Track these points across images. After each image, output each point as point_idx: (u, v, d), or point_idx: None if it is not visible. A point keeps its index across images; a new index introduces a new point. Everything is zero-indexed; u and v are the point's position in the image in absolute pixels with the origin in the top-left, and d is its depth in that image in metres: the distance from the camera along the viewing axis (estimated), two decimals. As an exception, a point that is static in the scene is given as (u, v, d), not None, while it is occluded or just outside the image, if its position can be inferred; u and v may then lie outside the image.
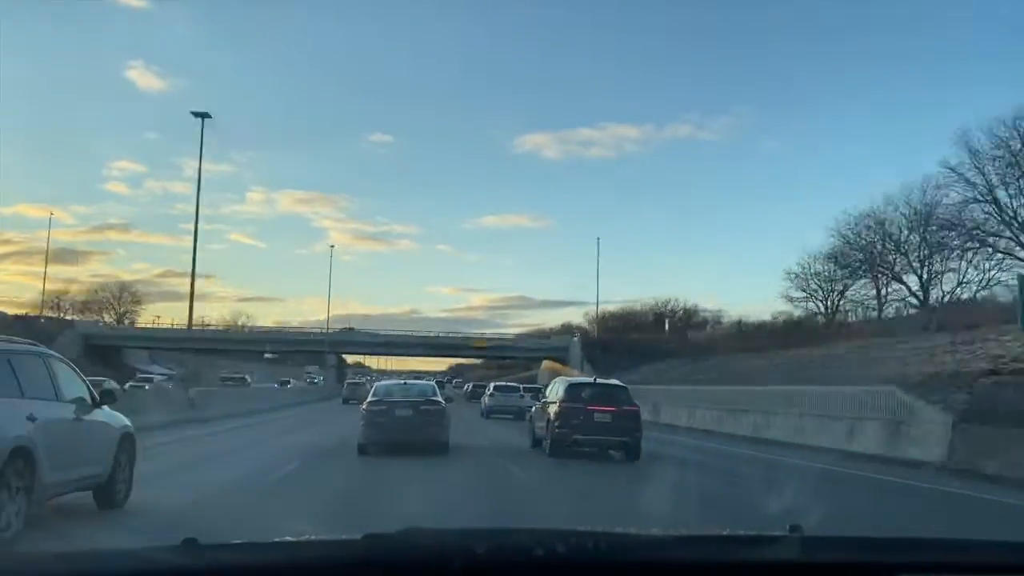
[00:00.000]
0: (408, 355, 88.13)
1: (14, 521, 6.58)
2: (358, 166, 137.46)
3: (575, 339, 72.76)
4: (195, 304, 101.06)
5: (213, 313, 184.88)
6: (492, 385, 39.85)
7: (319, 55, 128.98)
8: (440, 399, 17.13)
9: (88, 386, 8.73)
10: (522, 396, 35.89)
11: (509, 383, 42.89)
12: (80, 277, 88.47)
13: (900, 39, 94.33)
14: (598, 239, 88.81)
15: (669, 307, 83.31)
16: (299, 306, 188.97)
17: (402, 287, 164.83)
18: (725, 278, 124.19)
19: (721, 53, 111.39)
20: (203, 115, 37.18)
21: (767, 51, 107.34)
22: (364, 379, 61.01)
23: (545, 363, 75.52)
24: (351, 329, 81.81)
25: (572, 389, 16.99)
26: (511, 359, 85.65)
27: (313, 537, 1.81)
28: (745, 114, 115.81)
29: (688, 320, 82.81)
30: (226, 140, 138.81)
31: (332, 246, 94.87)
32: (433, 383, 20.12)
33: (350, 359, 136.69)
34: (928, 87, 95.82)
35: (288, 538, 1.79)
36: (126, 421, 9.31)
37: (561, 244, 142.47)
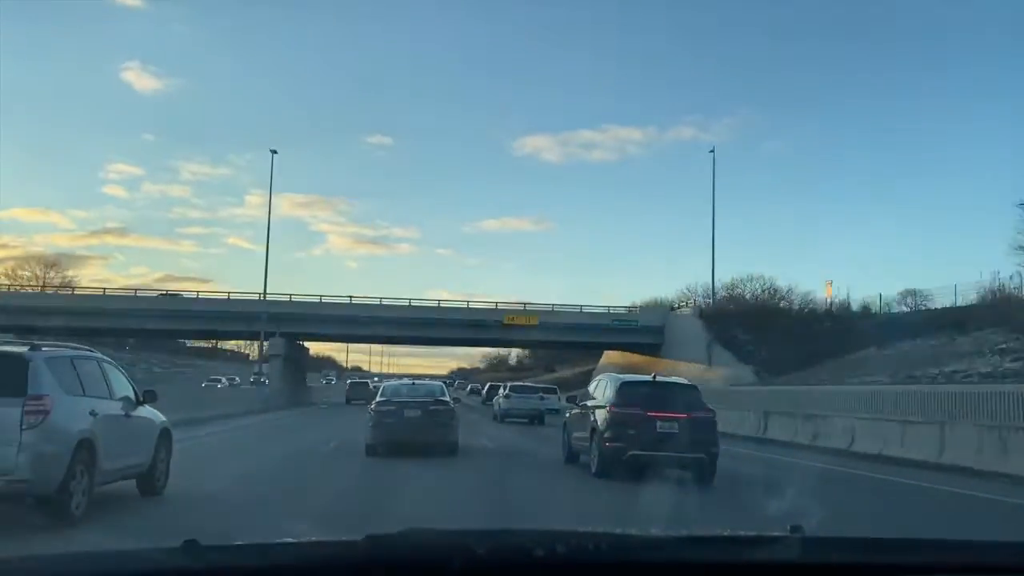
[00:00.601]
0: (404, 341, 66.78)
1: (81, 501, 7.85)
2: (357, 169, 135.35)
3: (684, 312, 49.28)
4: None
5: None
6: (507, 386, 37.18)
7: (317, 55, 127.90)
8: (449, 399, 17.11)
9: (133, 385, 9.96)
10: (542, 398, 34.60)
11: (527, 383, 40.68)
12: (81, 282, 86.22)
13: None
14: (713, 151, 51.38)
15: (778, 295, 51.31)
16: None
17: (402, 291, 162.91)
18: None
19: (725, 52, 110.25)
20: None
21: (772, 51, 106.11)
22: (367, 380, 58.19)
23: (608, 355, 54.50)
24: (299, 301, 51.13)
25: (626, 389, 13.58)
26: (573, 344, 57.45)
27: (314, 538, 1.80)
28: (749, 115, 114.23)
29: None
30: (224, 142, 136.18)
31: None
32: (441, 383, 20.10)
33: (348, 363, 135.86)
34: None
35: (289, 539, 1.79)
36: (164, 418, 10.49)
37: (563, 248, 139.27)
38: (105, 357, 9.79)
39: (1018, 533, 9.96)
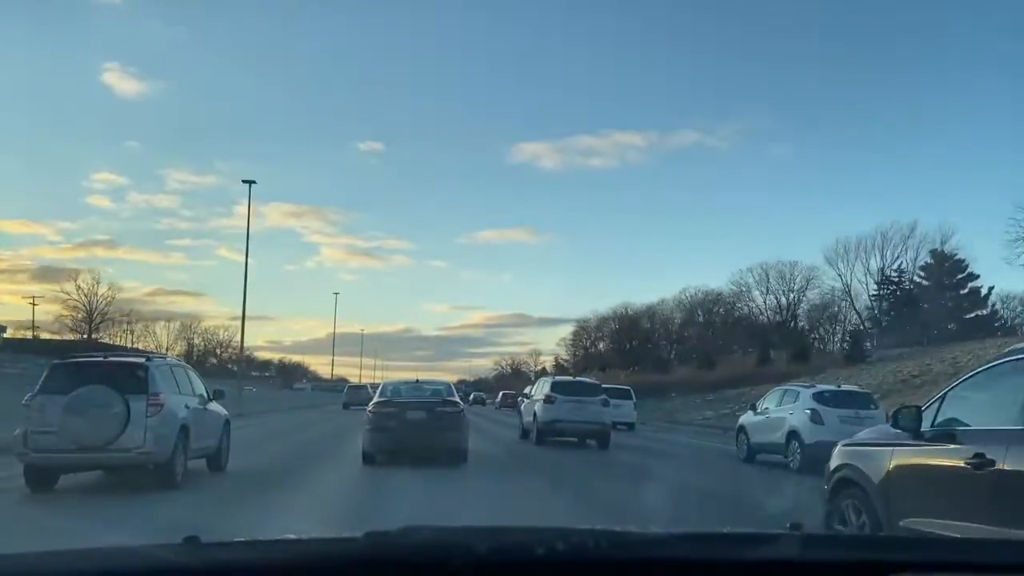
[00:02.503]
0: None
1: (180, 471, 10.96)
2: (348, 177, 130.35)
3: None
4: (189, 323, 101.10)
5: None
6: (549, 382, 22.68)
7: (306, 57, 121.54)
8: (458, 400, 15.25)
9: (206, 387, 13.04)
10: (605, 403, 21.61)
11: (581, 379, 25.12)
12: (73, 296, 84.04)
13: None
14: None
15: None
16: (291, 325, 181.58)
17: (397, 304, 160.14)
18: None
19: (728, 55, 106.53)
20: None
21: (782, 52, 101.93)
22: (367, 384, 58.74)
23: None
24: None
25: None
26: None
27: (314, 535, 1.81)
28: (755, 119, 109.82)
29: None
30: (210, 149, 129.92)
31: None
32: (448, 382, 17.49)
33: (350, 376, 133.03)
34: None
35: (289, 536, 1.79)
36: (226, 412, 13.64)
37: (560, 259, 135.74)
38: (187, 365, 13.25)
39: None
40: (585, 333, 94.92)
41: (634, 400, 32.64)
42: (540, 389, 22.47)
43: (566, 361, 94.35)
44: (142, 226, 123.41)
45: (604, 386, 24.77)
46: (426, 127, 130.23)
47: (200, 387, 12.68)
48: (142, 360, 11.33)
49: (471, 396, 73.96)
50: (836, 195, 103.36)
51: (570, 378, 24.22)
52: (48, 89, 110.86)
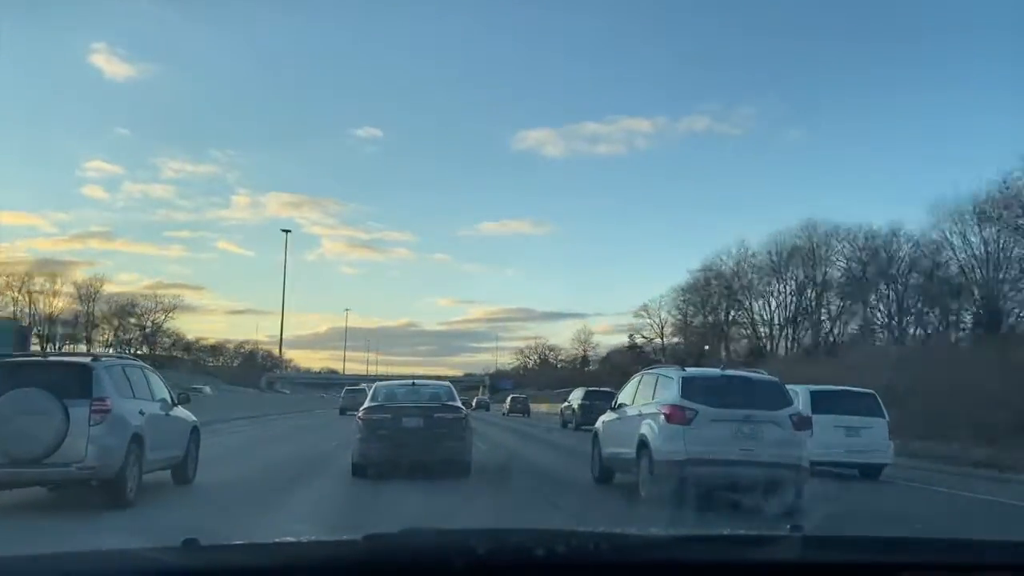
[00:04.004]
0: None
1: (134, 486, 9.48)
2: (346, 165, 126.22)
3: None
4: (186, 318, 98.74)
5: (208, 327, 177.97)
6: (673, 380, 11.06)
7: (300, 40, 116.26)
8: (459, 404, 13.59)
9: (169, 390, 11.58)
10: (800, 423, 10.79)
11: (742, 373, 12.22)
12: (64, 290, 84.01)
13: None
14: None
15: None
16: (292, 319, 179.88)
17: (398, 298, 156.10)
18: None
19: (744, 34, 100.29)
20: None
21: (798, 32, 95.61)
22: (364, 385, 54.93)
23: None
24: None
25: None
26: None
27: (313, 537, 1.81)
28: (771, 103, 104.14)
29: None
30: (204, 135, 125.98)
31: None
32: (449, 384, 15.42)
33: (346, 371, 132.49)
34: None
35: (288, 538, 1.79)
36: (194, 417, 12.12)
37: (565, 251, 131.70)
38: (146, 365, 11.55)
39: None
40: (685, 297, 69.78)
41: (886, 416, 16.29)
42: (651, 392, 11.68)
43: (656, 342, 74.34)
44: (138, 217, 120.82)
45: (799, 389, 15.07)
46: (426, 114, 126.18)
47: (162, 390, 11.22)
48: (86, 360, 9.73)
49: (474, 400, 67.75)
50: (851, 181, 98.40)
51: (718, 372, 12.22)
52: (34, 71, 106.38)
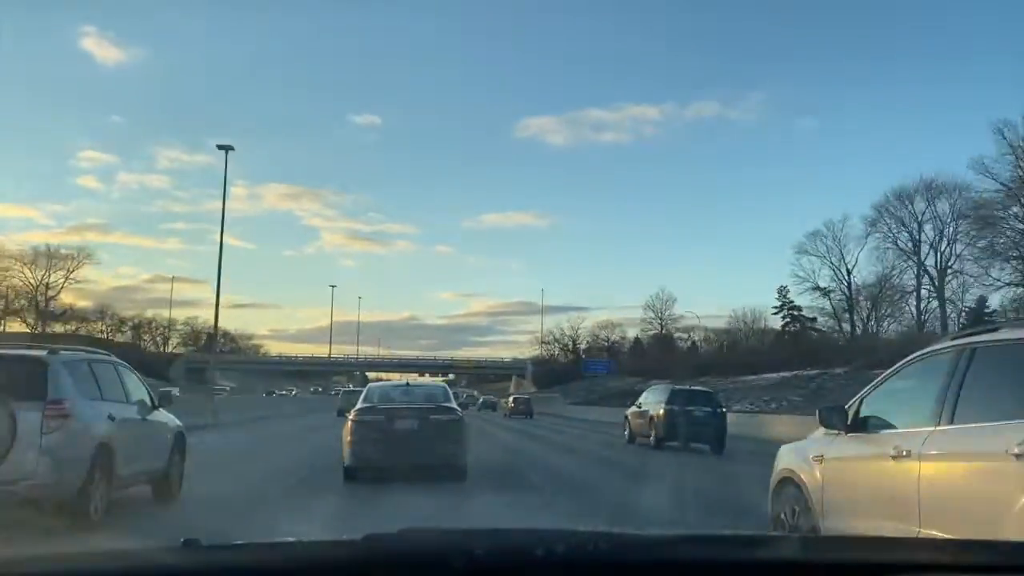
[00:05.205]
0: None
1: (100, 505, 7.93)
2: (345, 154, 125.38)
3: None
4: (187, 311, 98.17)
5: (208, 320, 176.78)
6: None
7: (297, 25, 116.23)
8: (455, 406, 13.27)
9: (148, 390, 10.04)
10: None
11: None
12: (66, 284, 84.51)
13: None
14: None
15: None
16: (294, 313, 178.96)
17: (401, 292, 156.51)
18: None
19: (751, 17, 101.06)
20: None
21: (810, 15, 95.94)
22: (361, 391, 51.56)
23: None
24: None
25: None
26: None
27: (313, 538, 1.81)
28: (781, 89, 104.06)
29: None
30: (200, 123, 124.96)
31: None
32: (444, 385, 15.58)
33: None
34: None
35: (289, 538, 1.80)
36: (178, 421, 10.61)
37: (567, 243, 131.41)
38: (120, 361, 9.80)
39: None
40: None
41: None
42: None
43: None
44: (134, 208, 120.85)
45: None
46: (425, 99, 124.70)
47: (139, 390, 9.73)
48: (41, 353, 8.20)
49: (480, 400, 66.08)
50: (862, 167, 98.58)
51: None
52: (22, 55, 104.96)
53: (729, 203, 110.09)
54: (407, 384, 14.39)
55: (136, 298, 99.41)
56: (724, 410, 22.12)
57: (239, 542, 1.83)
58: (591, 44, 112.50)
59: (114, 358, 9.74)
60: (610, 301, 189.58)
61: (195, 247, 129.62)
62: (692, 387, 24.61)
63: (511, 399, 55.50)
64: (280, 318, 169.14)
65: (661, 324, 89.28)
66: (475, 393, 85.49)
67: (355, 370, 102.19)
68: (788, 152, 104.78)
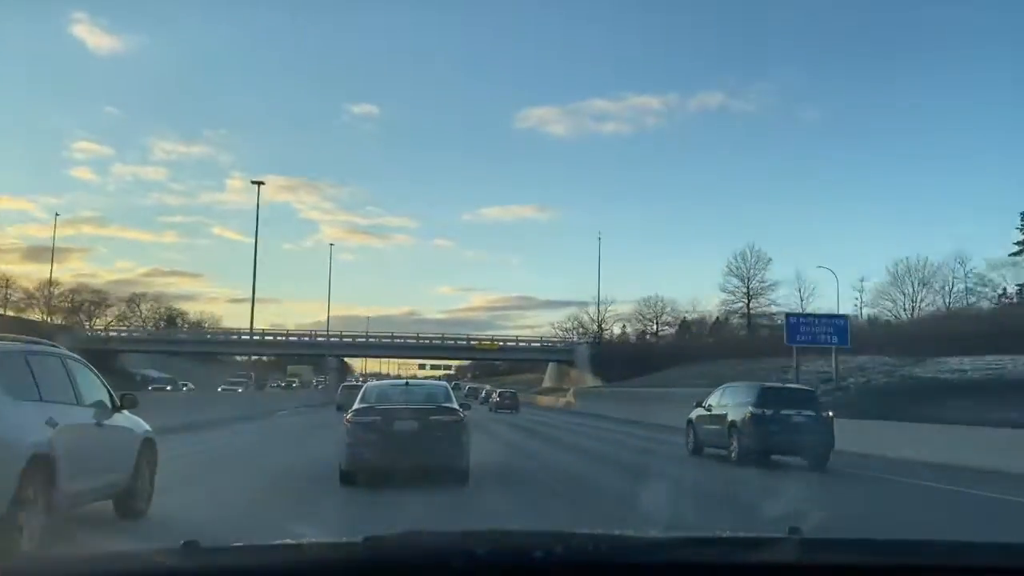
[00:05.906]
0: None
1: (35, 534, 6.19)
2: (343, 145, 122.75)
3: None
4: (184, 306, 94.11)
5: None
6: None
7: (293, 12, 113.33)
8: (456, 407, 12.75)
9: (108, 389, 8.52)
10: None
11: None
12: (62, 278, 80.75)
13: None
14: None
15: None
16: (293, 307, 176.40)
17: (400, 286, 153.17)
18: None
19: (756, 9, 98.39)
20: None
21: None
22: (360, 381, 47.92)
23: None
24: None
25: None
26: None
27: (313, 540, 1.81)
28: (787, 79, 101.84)
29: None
30: (195, 114, 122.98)
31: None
32: (445, 384, 15.02)
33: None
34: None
35: (289, 540, 1.80)
36: (147, 426, 9.10)
37: (567, 237, 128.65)
38: (71, 354, 8.19)
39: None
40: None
41: None
42: None
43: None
44: (130, 201, 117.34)
45: None
46: (423, 88, 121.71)
47: (96, 389, 8.21)
48: None
49: (483, 393, 65.63)
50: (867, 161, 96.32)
51: None
52: (11, 43, 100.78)
53: (731, 194, 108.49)
54: (406, 383, 14.07)
55: (136, 292, 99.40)
56: (831, 415, 17.78)
57: (239, 544, 1.83)
58: (593, 35, 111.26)
59: (64, 350, 8.06)
60: (610, 296, 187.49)
61: (193, 240, 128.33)
62: (787, 385, 21.27)
63: (496, 392, 53.17)
64: (279, 312, 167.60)
65: (748, 296, 75.40)
66: (488, 387, 76.33)
67: (338, 354, 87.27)
68: (792, 141, 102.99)
